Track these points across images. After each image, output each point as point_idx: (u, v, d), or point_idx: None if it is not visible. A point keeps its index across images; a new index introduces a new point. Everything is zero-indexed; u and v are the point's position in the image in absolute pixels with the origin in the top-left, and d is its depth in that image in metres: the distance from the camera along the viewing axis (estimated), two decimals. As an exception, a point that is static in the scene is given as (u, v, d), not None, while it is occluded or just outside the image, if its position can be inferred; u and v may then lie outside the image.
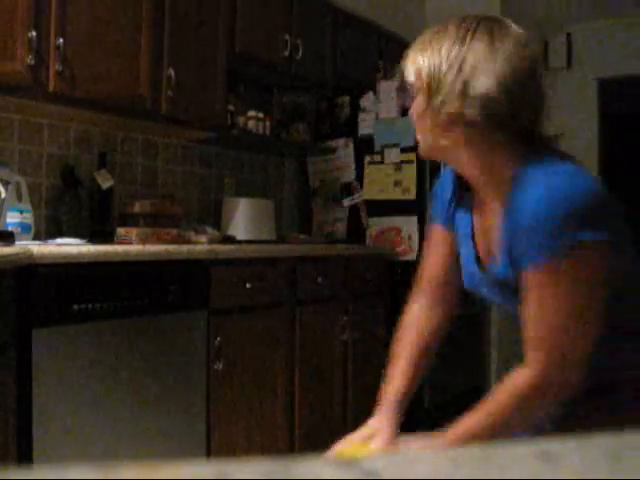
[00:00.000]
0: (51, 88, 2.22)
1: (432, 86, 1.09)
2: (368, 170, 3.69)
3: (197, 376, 2.30)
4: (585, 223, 1.02)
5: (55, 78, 2.22)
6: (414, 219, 3.52)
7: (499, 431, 1.09)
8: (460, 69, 1.07)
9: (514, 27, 1.19)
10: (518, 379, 1.08)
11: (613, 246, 1.05)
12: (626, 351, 1.13)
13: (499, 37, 1.12)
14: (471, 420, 1.13)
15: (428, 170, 3.52)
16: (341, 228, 3.75)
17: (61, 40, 2.22)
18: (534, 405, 1.09)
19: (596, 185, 1.12)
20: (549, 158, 1.12)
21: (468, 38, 1.09)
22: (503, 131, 1.09)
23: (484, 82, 1.05)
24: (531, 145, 1.13)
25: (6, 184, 2.25)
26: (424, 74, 1.10)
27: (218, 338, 2.37)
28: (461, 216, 1.25)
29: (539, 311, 1.05)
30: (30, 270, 1.76)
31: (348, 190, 3.76)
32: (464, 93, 1.06)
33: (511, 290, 1.12)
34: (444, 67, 1.08)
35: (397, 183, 3.59)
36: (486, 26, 1.13)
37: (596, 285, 1.04)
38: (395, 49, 4.28)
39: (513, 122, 1.09)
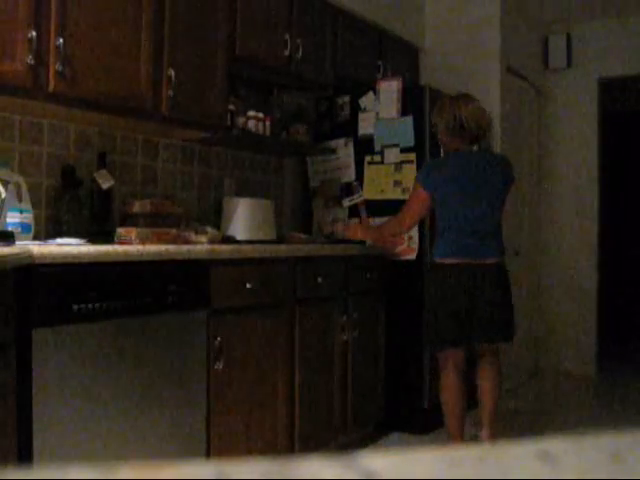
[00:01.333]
0: (51, 88, 2.22)
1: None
2: (368, 170, 3.69)
3: (197, 376, 2.30)
4: (418, 174, 3.02)
5: (55, 78, 2.22)
6: (414, 219, 3.53)
7: (386, 230, 3.18)
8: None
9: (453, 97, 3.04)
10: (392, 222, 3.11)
11: (423, 188, 2.91)
12: (444, 229, 2.90)
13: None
14: (381, 225, 3.23)
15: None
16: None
17: (61, 40, 2.22)
18: (393, 228, 3.12)
19: (434, 164, 3.05)
20: (445, 155, 3.13)
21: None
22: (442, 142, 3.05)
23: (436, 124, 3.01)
24: (454, 149, 2.96)
25: (6, 184, 2.25)
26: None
27: (218, 338, 2.37)
28: None
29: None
30: (30, 270, 1.76)
31: (348, 190, 3.76)
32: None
33: None
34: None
35: (397, 183, 3.59)
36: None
37: (413, 199, 2.98)
38: (395, 49, 4.28)
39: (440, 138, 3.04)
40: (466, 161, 2.91)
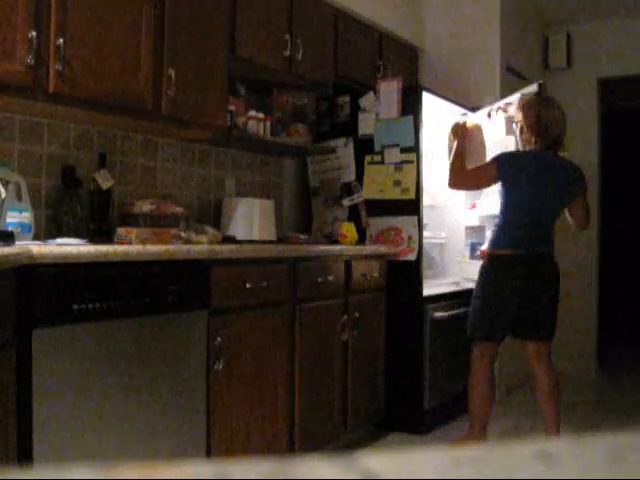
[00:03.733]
0: (51, 88, 2.22)
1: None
2: (368, 170, 3.69)
3: (197, 376, 2.30)
4: (498, 156, 3.11)
5: (55, 78, 2.22)
6: (414, 219, 3.53)
7: (456, 161, 3.29)
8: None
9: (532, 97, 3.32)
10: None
11: (495, 170, 3.07)
12: (506, 222, 3.07)
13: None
14: (459, 155, 3.32)
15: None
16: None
17: (61, 40, 2.22)
18: (452, 168, 3.28)
19: (514, 155, 3.17)
20: (524, 152, 3.15)
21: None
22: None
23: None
24: (533, 148, 3.12)
25: (6, 184, 2.25)
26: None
27: (218, 338, 2.37)
28: None
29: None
30: (30, 270, 1.76)
31: (348, 190, 3.76)
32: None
33: None
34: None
35: (397, 183, 3.59)
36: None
37: (475, 172, 3.22)
38: (395, 49, 4.28)
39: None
40: (543, 162, 3.06)
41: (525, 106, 3.15)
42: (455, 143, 3.35)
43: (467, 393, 3.15)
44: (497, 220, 3.12)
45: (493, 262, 3.05)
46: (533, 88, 3.48)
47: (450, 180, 3.26)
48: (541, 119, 3.05)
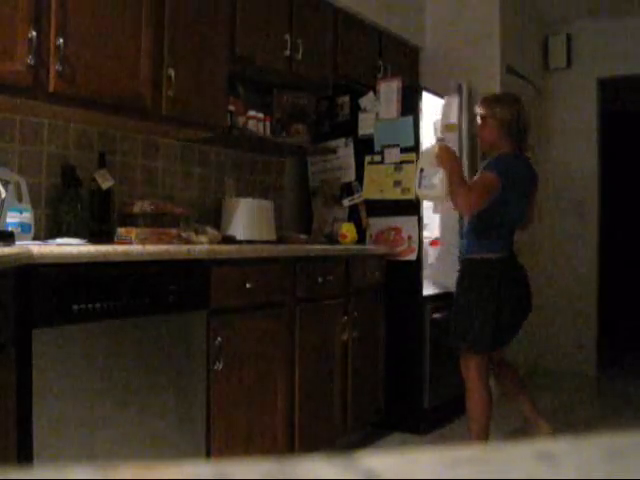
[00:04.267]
0: (51, 88, 2.22)
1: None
2: (368, 170, 3.69)
3: (197, 376, 2.30)
4: (495, 164, 2.83)
5: (55, 78, 2.22)
6: (414, 219, 3.53)
7: (455, 184, 2.81)
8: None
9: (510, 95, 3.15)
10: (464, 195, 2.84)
11: (499, 182, 2.77)
12: (497, 226, 2.89)
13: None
14: (455, 174, 2.83)
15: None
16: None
17: (61, 40, 2.22)
18: (458, 192, 2.79)
19: (509, 161, 2.88)
20: (512, 156, 2.90)
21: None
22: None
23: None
24: (506, 149, 2.92)
25: (6, 184, 2.25)
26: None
27: (218, 338, 2.37)
28: None
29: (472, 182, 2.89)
30: (30, 270, 1.76)
31: (348, 190, 3.76)
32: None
33: None
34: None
35: (397, 183, 3.59)
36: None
37: (484, 187, 2.78)
38: (395, 49, 4.28)
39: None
40: (523, 165, 2.94)
41: (499, 101, 2.92)
42: (448, 171, 2.83)
43: (467, 401, 2.94)
44: (474, 225, 2.89)
45: (484, 267, 2.84)
46: (454, 91, 3.58)
47: (465, 206, 2.84)
48: (521, 117, 2.88)
